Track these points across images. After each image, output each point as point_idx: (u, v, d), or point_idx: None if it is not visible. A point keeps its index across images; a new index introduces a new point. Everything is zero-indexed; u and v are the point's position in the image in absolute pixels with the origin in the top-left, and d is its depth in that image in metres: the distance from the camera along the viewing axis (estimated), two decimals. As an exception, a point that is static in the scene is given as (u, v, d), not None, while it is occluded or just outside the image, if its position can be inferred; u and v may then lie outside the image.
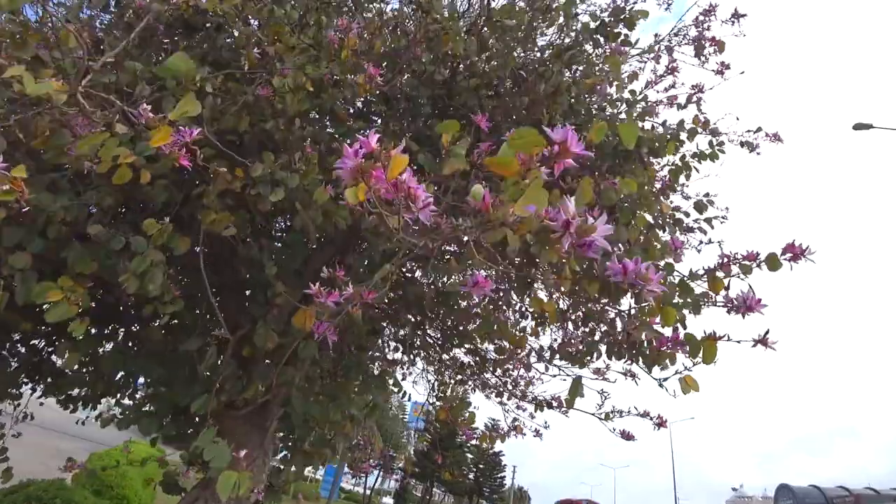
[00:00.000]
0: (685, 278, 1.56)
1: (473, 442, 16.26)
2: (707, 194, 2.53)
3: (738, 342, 1.36)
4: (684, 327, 1.60)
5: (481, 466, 22.15)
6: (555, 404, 2.76)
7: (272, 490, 2.99)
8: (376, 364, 3.46)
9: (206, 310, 2.83)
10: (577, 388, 1.69)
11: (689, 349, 1.46)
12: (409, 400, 4.29)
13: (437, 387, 3.55)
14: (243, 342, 2.80)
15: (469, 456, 16.74)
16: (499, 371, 3.59)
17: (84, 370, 3.24)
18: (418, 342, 4.09)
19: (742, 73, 2.60)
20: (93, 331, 3.04)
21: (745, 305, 1.30)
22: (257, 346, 2.45)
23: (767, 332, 1.30)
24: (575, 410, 2.62)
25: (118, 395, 3.42)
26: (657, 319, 1.60)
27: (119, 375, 3.24)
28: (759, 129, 2.70)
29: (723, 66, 2.69)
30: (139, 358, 2.79)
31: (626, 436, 2.30)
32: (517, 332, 2.15)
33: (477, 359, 3.63)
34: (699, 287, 1.58)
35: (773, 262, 1.41)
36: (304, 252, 2.58)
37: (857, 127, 10.03)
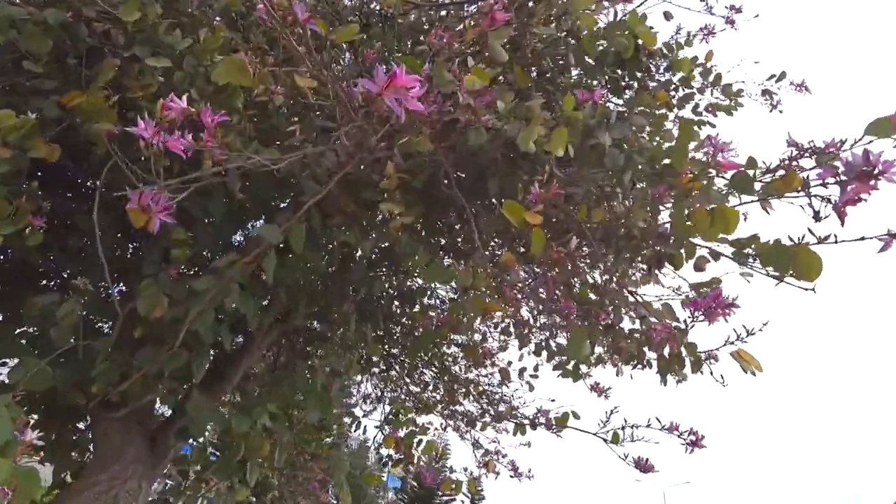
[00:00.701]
0: (739, 173, 0.99)
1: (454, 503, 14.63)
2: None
3: (862, 239, 0.78)
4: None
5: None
6: (542, 421, 2.07)
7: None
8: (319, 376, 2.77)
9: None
10: (580, 346, 1.06)
11: (777, 262, 0.88)
12: (363, 432, 3.54)
13: (391, 412, 2.83)
14: (138, 320, 2.17)
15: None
16: (471, 395, 2.89)
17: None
18: (382, 363, 3.42)
19: (756, 16, 2.16)
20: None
21: (869, 169, 0.72)
22: (140, 313, 1.82)
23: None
24: (570, 429, 1.94)
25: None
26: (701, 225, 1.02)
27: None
28: (782, 76, 2.18)
29: (733, 10, 2.21)
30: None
31: (644, 466, 1.61)
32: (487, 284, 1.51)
33: (446, 379, 2.95)
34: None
35: (881, 127, 0.85)
36: (220, 199, 2.01)
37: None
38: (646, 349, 1.74)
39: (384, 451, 2.93)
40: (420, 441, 2.62)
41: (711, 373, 1.30)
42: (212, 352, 2.72)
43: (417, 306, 2.76)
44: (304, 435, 2.87)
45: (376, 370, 3.47)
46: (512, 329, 2.28)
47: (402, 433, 2.41)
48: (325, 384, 2.52)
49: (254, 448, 2.20)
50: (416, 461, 2.61)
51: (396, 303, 2.79)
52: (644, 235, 1.41)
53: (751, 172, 0.99)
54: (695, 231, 0.99)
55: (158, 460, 2.35)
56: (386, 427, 2.67)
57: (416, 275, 2.80)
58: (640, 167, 1.15)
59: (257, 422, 2.11)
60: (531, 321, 2.44)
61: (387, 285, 2.72)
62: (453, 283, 2.82)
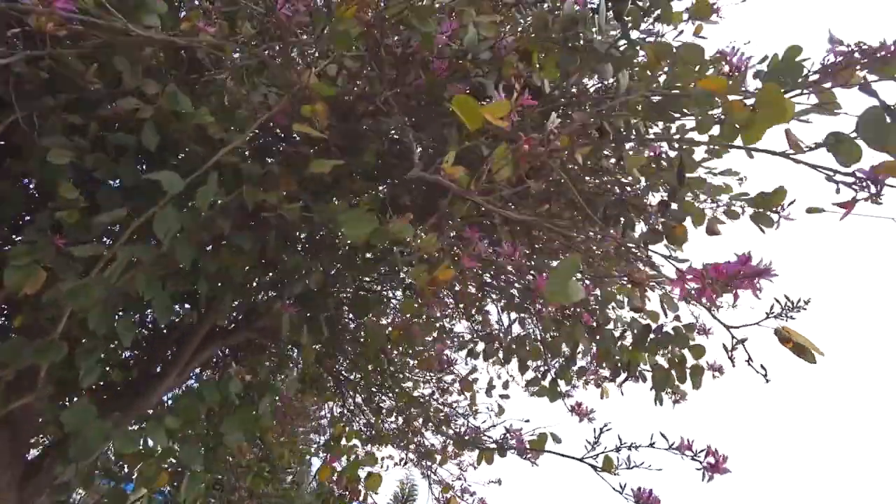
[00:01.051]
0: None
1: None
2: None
3: None
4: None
5: None
6: (513, 444, 1.69)
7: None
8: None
9: None
10: (566, 282, 0.72)
11: (873, 134, 0.58)
12: (310, 462, 3.08)
13: (331, 435, 2.40)
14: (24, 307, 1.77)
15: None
16: (431, 423, 2.50)
17: None
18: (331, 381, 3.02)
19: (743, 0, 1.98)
20: None
21: None
22: (6, 285, 1.44)
23: None
24: (550, 459, 1.58)
25: None
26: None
27: None
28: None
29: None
30: None
31: (646, 500, 1.21)
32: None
33: (404, 402, 2.55)
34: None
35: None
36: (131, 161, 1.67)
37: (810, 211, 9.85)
38: (641, 363, 1.42)
39: (327, 487, 2.48)
40: (368, 474, 2.20)
41: (750, 360, 0.94)
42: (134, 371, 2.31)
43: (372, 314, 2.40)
44: (226, 458, 2.42)
45: (328, 392, 3.05)
46: (480, 343, 1.95)
47: (343, 463, 1.99)
48: (246, 397, 2.10)
49: (147, 476, 1.76)
50: (362, 498, 2.18)
51: (346, 309, 2.43)
52: (638, 203, 1.13)
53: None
54: (728, 136, 0.69)
55: (37, 489, 1.89)
56: (325, 454, 2.25)
57: (368, 281, 2.46)
58: (639, 57, 0.88)
59: (150, 441, 1.69)
60: (501, 333, 2.11)
61: (335, 290, 2.35)
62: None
